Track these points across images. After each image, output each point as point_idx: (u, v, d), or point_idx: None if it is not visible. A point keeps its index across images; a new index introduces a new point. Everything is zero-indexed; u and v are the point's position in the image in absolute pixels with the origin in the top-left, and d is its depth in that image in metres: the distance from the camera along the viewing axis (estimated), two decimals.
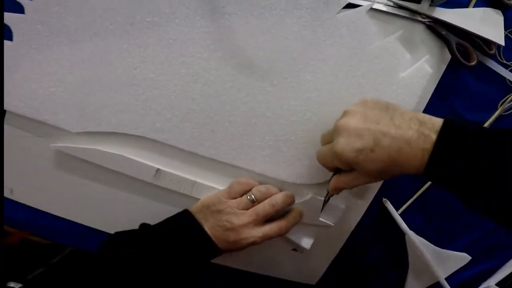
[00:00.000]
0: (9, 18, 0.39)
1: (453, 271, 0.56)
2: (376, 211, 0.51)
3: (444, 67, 0.45)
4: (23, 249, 0.58)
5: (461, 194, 0.31)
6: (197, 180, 0.46)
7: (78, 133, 0.44)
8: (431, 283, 0.57)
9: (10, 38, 0.39)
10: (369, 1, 0.41)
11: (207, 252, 0.43)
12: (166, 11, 0.39)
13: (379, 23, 0.42)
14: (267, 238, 0.44)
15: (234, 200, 0.44)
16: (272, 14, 0.40)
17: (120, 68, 0.41)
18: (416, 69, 0.44)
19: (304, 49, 0.42)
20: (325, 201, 0.42)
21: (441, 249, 0.55)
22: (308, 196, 0.48)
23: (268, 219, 0.45)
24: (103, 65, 0.41)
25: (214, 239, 0.42)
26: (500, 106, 0.47)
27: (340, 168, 0.36)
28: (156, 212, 0.45)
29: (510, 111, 0.47)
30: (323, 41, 0.42)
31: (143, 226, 0.43)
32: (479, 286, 0.61)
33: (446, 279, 0.56)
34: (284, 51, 0.42)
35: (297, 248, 0.51)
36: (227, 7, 0.40)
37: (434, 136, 0.30)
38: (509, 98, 0.46)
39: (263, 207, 0.43)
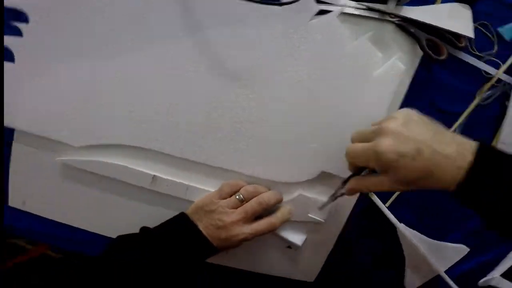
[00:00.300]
0: (9, 41, 0.43)
1: (452, 264, 0.57)
2: (364, 205, 0.52)
3: (417, 63, 0.47)
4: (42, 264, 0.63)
5: (488, 216, 0.33)
6: (191, 184, 0.50)
7: (81, 147, 0.48)
8: (431, 276, 0.57)
9: (12, 59, 0.44)
10: (339, 5, 0.44)
11: (204, 250, 0.46)
12: (151, 31, 0.44)
13: (351, 26, 0.45)
14: (257, 234, 0.46)
15: (224, 200, 0.47)
16: (247, 26, 0.44)
17: (114, 85, 0.46)
18: (388, 67, 0.46)
19: (280, 56, 0.45)
20: (331, 200, 0.45)
21: (436, 241, 0.55)
22: (296, 193, 0.50)
23: (258, 216, 0.47)
24: (99, 82, 0.45)
25: (208, 237, 0.45)
26: (477, 96, 0.48)
27: (362, 170, 0.39)
28: (155, 215, 0.48)
29: (488, 101, 0.48)
30: (298, 47, 0.45)
31: (143, 229, 0.47)
32: (481, 278, 0.61)
33: (446, 272, 0.56)
34: (262, 59, 0.45)
35: (290, 245, 0.54)
36: (205, 22, 0.43)
37: (470, 157, 0.31)
38: (485, 88, 0.47)
39: (251, 205, 0.46)
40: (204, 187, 0.50)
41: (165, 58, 0.45)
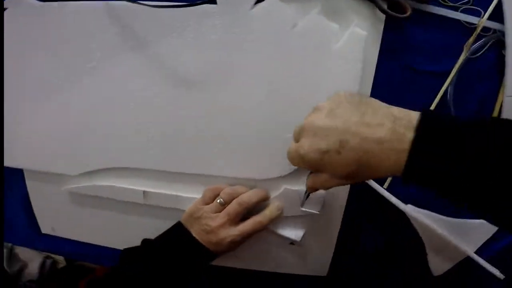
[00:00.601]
0: None
1: (481, 244, 0.49)
2: (361, 189, 0.48)
3: (382, 26, 0.41)
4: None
5: (450, 198, 0.27)
6: (179, 193, 0.51)
7: (79, 174, 0.52)
8: (459, 258, 0.50)
9: None
10: None
11: (200, 255, 0.46)
12: (98, 55, 0.46)
13: (295, 4, 0.42)
14: (245, 235, 0.46)
15: (208, 206, 0.47)
16: (188, 31, 0.43)
17: (87, 116, 0.49)
18: (348, 37, 0.41)
19: (230, 53, 0.44)
20: (305, 197, 0.43)
21: (456, 219, 0.48)
22: (282, 188, 0.48)
23: (246, 216, 0.47)
24: (77, 118, 0.49)
25: (202, 243, 0.46)
26: (465, 49, 0.41)
27: None
28: (154, 225, 0.49)
29: (478, 54, 0.40)
30: (244, 39, 0.43)
31: (145, 241, 0.49)
32: None
33: (477, 252, 0.49)
34: (212, 60, 0.44)
35: (292, 242, 0.51)
36: (149, 37, 0.44)
37: (410, 135, 0.27)
38: (471, 39, 0.40)
39: (232, 207, 0.46)
40: (191, 195, 0.50)
41: (118, 79, 0.47)
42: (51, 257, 0.89)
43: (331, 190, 0.47)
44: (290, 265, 0.54)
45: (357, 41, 0.42)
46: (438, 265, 0.51)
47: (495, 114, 0.42)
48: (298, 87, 0.44)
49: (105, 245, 0.58)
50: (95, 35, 0.45)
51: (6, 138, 0.51)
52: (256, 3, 0.41)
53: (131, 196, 0.52)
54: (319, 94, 0.43)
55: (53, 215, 0.59)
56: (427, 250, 0.50)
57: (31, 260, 0.86)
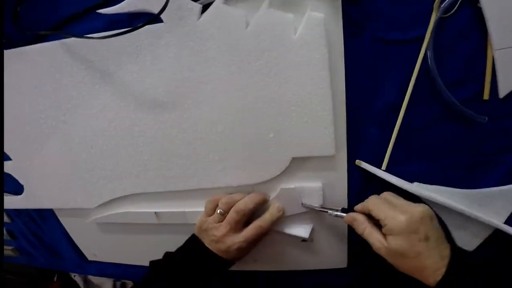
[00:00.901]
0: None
1: (509, 213, 0.44)
2: (360, 177, 0.45)
3: (339, 4, 0.38)
4: None
5: None
6: (185, 209, 0.52)
7: (97, 206, 0.56)
8: (488, 232, 0.45)
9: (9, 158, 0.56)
10: None
11: (215, 264, 0.48)
12: (74, 94, 0.48)
13: (242, 4, 0.40)
14: (250, 240, 0.46)
15: (211, 217, 0.48)
16: (143, 53, 0.44)
17: (85, 151, 0.52)
18: (305, 23, 0.39)
19: (190, 67, 0.43)
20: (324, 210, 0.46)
21: (473, 190, 0.44)
22: (278, 189, 0.47)
23: (250, 220, 0.47)
24: (74, 153, 0.52)
25: (215, 252, 0.47)
26: (434, 10, 0.36)
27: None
28: (169, 240, 0.50)
29: (451, 12, 0.35)
30: (200, 50, 0.42)
31: (166, 254, 0.52)
32: None
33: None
34: (175, 77, 0.44)
35: (302, 239, 0.51)
36: (110, 68, 0.45)
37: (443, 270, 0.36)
38: None
39: (231, 216, 0.46)
40: (196, 209, 0.51)
41: (97, 113, 0.49)
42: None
43: (330, 182, 0.46)
44: (309, 261, 0.54)
45: (316, 26, 0.39)
46: (467, 242, 0.46)
47: (488, 70, 0.37)
48: (270, 86, 0.42)
49: (136, 263, 0.62)
50: (63, 75, 0.47)
51: (30, 183, 0.57)
52: (202, 12, 0.40)
53: (145, 218, 0.55)
54: (291, 87, 0.42)
55: (91, 243, 0.64)
56: (450, 229, 0.46)
57: (103, 283, 0.95)
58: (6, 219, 0.68)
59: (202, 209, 0.51)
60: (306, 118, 0.43)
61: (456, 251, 0.37)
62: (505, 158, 0.42)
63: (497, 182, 0.43)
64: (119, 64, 0.45)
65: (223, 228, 0.46)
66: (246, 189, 0.49)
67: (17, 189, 0.59)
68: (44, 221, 0.65)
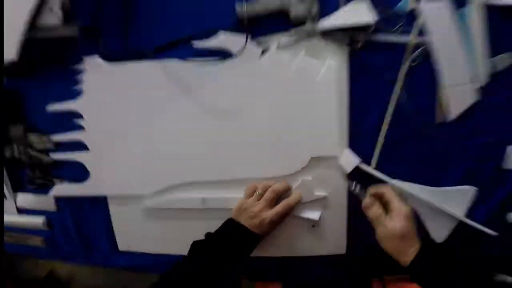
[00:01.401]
0: (77, 136, 0.72)
1: (467, 207, 0.63)
2: (355, 171, 0.64)
3: (346, 56, 0.62)
4: None
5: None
6: (227, 195, 0.69)
7: (151, 193, 0.72)
8: (454, 224, 0.64)
9: (87, 148, 0.72)
10: (275, 42, 0.64)
11: (249, 238, 0.63)
12: (158, 103, 0.68)
13: (288, 50, 0.63)
14: (280, 214, 0.63)
15: (250, 198, 0.65)
16: (217, 77, 0.65)
17: (153, 147, 0.70)
18: (325, 70, 0.62)
19: (248, 90, 0.65)
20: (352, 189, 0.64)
21: (439, 188, 0.63)
22: (300, 180, 0.66)
23: (277, 202, 0.64)
24: (143, 148, 0.70)
25: (249, 228, 0.62)
26: (406, 59, 0.60)
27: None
28: (211, 225, 0.65)
29: (415, 62, 0.60)
30: (257, 80, 0.65)
31: (207, 234, 0.65)
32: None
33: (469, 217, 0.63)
34: (237, 96, 0.66)
35: (312, 223, 0.67)
36: (191, 85, 0.66)
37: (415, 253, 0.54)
38: (408, 53, 0.60)
39: (268, 195, 0.64)
40: (236, 195, 0.68)
41: (174, 119, 0.68)
42: None
43: (333, 177, 0.64)
44: (314, 247, 0.70)
45: (332, 71, 0.62)
46: (437, 233, 0.65)
47: (440, 101, 0.61)
48: (299, 107, 0.64)
49: (172, 252, 0.75)
50: (154, 87, 0.67)
51: (97, 172, 0.72)
52: (262, 53, 0.64)
53: (193, 203, 0.71)
54: (313, 110, 0.64)
55: (130, 233, 0.77)
56: (424, 220, 0.64)
57: None
58: (51, 207, 0.78)
59: (238, 195, 0.67)
60: (321, 130, 0.64)
61: (426, 241, 0.55)
62: (460, 164, 0.64)
63: (455, 183, 0.64)
64: (199, 84, 0.66)
65: (260, 205, 0.63)
66: (275, 180, 0.67)
67: (79, 179, 0.73)
68: (93, 209, 0.76)
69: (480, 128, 0.62)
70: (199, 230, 0.65)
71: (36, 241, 0.83)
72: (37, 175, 0.76)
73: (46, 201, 0.78)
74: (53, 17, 0.62)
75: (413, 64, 0.61)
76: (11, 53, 0.62)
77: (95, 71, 0.69)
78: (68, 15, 0.63)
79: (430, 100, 0.62)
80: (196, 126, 0.68)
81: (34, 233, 0.82)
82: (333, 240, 0.69)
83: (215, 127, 0.67)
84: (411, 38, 0.60)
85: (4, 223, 0.79)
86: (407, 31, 0.60)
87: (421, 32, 0.60)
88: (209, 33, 0.63)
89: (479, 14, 0.56)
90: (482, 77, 0.59)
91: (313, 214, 0.66)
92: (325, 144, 0.64)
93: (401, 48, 0.61)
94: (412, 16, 0.59)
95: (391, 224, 0.55)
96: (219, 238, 0.63)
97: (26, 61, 0.64)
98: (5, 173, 0.77)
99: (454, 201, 0.63)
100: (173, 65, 0.66)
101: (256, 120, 0.66)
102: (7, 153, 0.75)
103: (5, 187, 0.78)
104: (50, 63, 0.70)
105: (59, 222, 0.81)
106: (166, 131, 0.69)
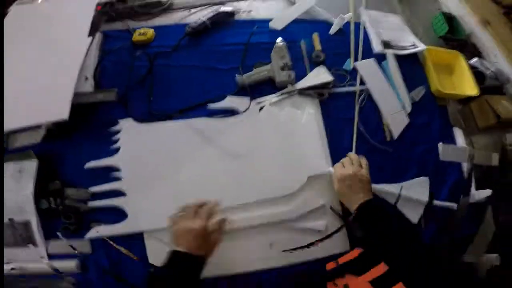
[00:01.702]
0: (118, 185, 0.89)
1: (427, 194, 0.86)
2: None
3: (318, 105, 0.92)
4: None
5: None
6: (249, 215, 0.86)
7: None
8: (422, 208, 0.85)
9: (124, 194, 0.88)
10: (268, 100, 0.92)
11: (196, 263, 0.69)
12: (183, 153, 0.89)
13: (277, 106, 0.92)
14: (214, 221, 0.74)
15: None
16: (229, 130, 0.90)
17: (184, 186, 0.88)
18: (306, 115, 0.91)
19: (253, 137, 0.90)
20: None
21: (404, 182, 0.86)
22: (301, 197, 0.87)
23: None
24: (176, 188, 0.88)
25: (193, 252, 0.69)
26: (356, 102, 0.91)
27: None
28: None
29: (362, 104, 0.91)
30: (258, 130, 0.90)
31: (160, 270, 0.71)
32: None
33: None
34: (245, 143, 0.90)
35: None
36: (211, 136, 0.90)
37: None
38: (356, 97, 0.91)
39: (192, 209, 0.76)
40: (255, 214, 0.86)
41: (201, 163, 0.89)
42: None
43: (327, 189, 0.87)
44: (320, 250, 0.86)
45: (310, 115, 0.91)
46: (413, 218, 0.85)
47: (386, 125, 0.90)
48: (293, 143, 0.90)
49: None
50: (180, 140, 0.90)
51: (134, 213, 0.86)
52: (260, 110, 0.91)
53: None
54: (302, 143, 0.89)
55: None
56: (399, 208, 0.85)
57: None
58: (87, 249, 0.82)
59: (259, 213, 0.85)
60: (311, 156, 0.89)
61: (370, 200, 0.77)
62: (412, 166, 0.90)
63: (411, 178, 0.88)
64: (217, 135, 0.90)
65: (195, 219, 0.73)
66: (278, 198, 0.86)
67: (117, 221, 0.82)
68: (129, 246, 0.82)
69: (416, 140, 0.91)
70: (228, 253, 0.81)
71: (65, 281, 0.81)
72: (72, 222, 0.82)
73: (81, 245, 0.82)
74: (87, 85, 0.79)
75: (362, 104, 0.91)
76: (63, 113, 0.73)
77: (129, 131, 0.90)
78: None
79: (379, 125, 0.91)
80: (216, 166, 0.89)
81: (67, 275, 0.82)
82: (335, 239, 0.86)
83: (231, 166, 0.89)
84: (356, 87, 0.92)
85: (36, 270, 0.81)
86: (352, 84, 0.92)
87: (362, 82, 0.92)
88: (218, 98, 0.91)
89: (394, 63, 0.90)
90: (408, 106, 0.90)
91: (319, 225, 0.85)
92: (316, 165, 0.88)
93: (351, 95, 0.92)
94: (354, 72, 0.92)
95: (335, 186, 0.82)
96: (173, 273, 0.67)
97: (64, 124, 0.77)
98: (38, 221, 0.81)
99: (415, 190, 0.87)
100: (195, 122, 0.91)
101: (262, 157, 0.89)
102: (44, 205, 0.82)
103: (36, 234, 0.81)
104: (83, 126, 0.87)
105: (93, 263, 0.82)
106: (191, 173, 0.89)
